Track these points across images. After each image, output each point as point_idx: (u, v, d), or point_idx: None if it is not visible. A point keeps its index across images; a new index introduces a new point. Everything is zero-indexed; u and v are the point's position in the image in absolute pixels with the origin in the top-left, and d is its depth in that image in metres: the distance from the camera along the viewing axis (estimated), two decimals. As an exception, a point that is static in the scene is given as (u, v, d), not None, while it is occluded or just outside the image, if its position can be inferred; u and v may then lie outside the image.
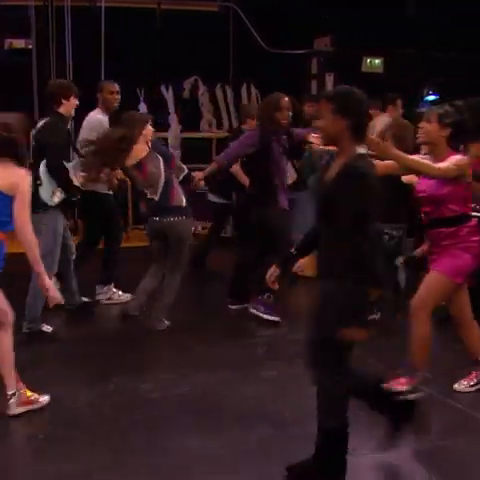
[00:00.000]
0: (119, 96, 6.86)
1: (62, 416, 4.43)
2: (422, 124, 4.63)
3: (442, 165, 4.48)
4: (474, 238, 4.62)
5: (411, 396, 4.02)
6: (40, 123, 6.03)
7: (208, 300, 7.21)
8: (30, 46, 9.95)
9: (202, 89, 11.05)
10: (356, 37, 10.30)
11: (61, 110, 5.91)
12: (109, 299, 6.87)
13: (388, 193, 5.99)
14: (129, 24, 9.83)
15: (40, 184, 5.60)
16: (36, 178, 5.42)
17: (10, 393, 4.37)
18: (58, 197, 5.69)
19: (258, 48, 10.61)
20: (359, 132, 3.55)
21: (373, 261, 3.46)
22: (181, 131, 10.63)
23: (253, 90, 11.28)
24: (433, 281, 4.62)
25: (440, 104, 4.82)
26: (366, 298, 3.49)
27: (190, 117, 10.87)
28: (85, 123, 6.74)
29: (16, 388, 4.38)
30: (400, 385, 4.49)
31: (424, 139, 4.68)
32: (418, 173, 4.68)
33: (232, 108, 11.17)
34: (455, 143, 4.65)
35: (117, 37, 9.41)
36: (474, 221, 4.68)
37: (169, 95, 10.61)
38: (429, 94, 11.03)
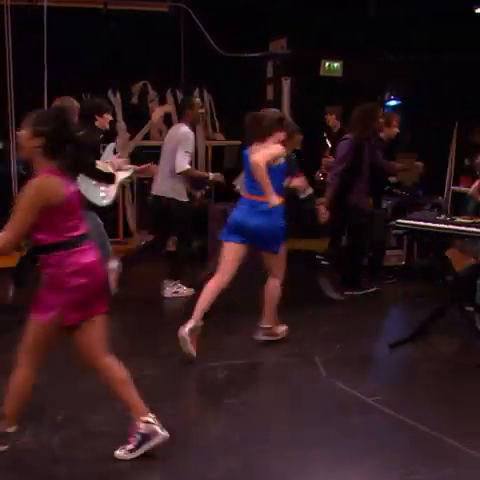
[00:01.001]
0: None
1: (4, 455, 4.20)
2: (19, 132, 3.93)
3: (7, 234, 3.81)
4: (68, 270, 3.90)
5: None
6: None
7: (164, 321, 7.05)
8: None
9: (152, 94, 10.88)
10: (314, 39, 10.24)
11: (97, 124, 6.86)
12: (175, 293, 7.79)
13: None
14: (73, 25, 9.61)
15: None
16: None
17: (264, 326, 6.13)
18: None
19: (211, 51, 10.46)
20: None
21: None
22: (130, 139, 10.42)
23: (206, 95, 11.15)
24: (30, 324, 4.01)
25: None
26: None
27: (139, 124, 10.66)
28: (187, 138, 7.51)
29: (269, 324, 6.12)
30: None
31: (22, 152, 3.96)
32: None
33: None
34: (52, 156, 3.82)
35: (61, 39, 9.16)
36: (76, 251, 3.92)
37: (117, 101, 10.41)
38: (391, 99, 11.04)
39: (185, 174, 7.60)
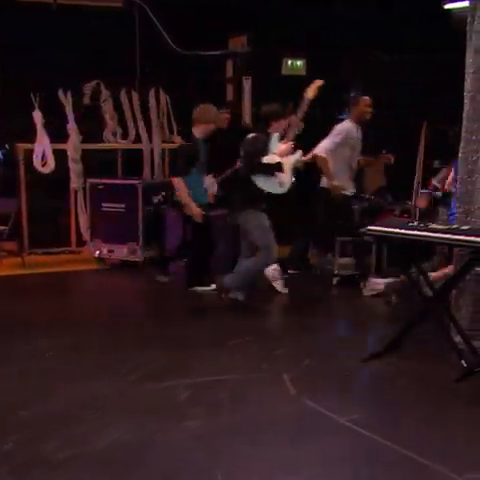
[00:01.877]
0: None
1: None
2: None
3: None
4: None
5: None
6: (249, 135, 7.68)
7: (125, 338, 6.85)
8: None
9: (105, 94, 10.66)
10: (276, 36, 10.14)
11: (270, 130, 7.53)
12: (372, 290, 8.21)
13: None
14: (21, 20, 9.38)
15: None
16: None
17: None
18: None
19: (167, 49, 10.35)
20: None
21: None
22: (82, 142, 10.23)
23: (162, 95, 10.96)
24: None
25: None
26: None
27: (92, 126, 10.49)
28: (340, 130, 8.55)
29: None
30: None
31: None
32: None
33: (139, 115, 10.82)
34: None
35: (7, 35, 8.95)
36: None
37: (68, 101, 10.19)
38: (356, 99, 10.96)
39: (318, 159, 8.34)
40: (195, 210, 7.94)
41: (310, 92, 7.74)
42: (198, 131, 8.17)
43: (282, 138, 7.58)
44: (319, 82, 7.80)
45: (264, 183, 7.41)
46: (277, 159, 7.43)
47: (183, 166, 8.02)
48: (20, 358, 6.05)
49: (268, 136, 7.54)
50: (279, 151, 7.48)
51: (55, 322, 7.08)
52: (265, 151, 7.44)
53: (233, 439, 4.57)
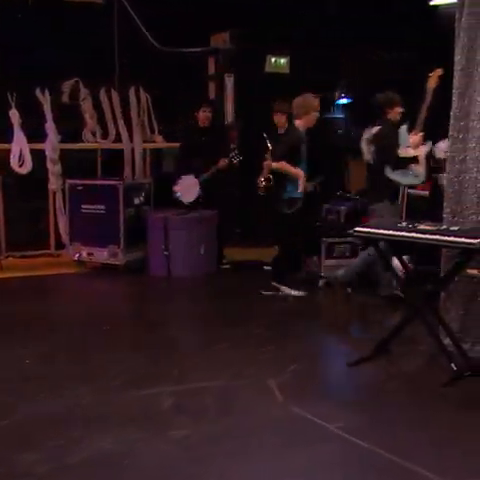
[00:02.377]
0: None
1: None
2: None
3: None
4: None
5: None
6: (374, 129, 7.90)
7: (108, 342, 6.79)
8: None
9: (84, 93, 10.58)
10: (259, 33, 10.11)
11: (389, 117, 7.81)
12: None
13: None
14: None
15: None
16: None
17: None
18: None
19: (147, 46, 10.28)
20: None
21: None
22: (60, 142, 10.15)
23: (143, 94, 10.90)
24: None
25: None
26: None
27: (71, 125, 10.40)
28: None
29: None
30: None
31: None
32: None
33: (119, 114, 10.75)
34: None
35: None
36: None
37: (45, 100, 10.10)
38: (341, 97, 10.97)
39: None
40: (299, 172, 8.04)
41: (432, 81, 7.76)
42: (301, 124, 8.16)
43: (410, 130, 7.75)
44: (439, 71, 7.77)
45: (395, 175, 7.70)
46: (412, 152, 7.68)
47: (283, 152, 8.05)
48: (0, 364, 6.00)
49: (388, 123, 7.79)
50: (412, 143, 7.70)
51: (35, 327, 7.01)
52: (396, 138, 7.69)
53: (220, 448, 4.53)
